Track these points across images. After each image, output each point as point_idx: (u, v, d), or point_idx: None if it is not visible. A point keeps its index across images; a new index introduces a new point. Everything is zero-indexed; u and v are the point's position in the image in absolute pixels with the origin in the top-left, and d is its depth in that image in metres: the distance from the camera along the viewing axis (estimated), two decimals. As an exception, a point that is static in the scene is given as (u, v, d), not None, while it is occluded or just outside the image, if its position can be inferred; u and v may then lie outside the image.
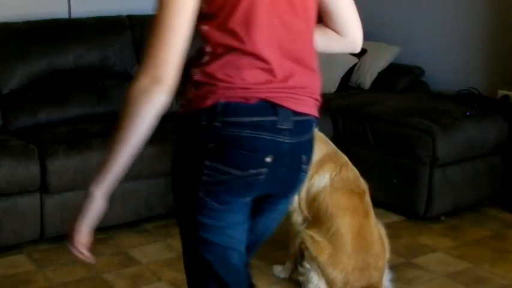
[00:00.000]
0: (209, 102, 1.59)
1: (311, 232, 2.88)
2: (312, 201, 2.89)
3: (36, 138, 3.41)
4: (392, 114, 3.97)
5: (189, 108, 1.67)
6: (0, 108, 3.73)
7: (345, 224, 2.83)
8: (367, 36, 5.48)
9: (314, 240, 2.85)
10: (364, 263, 2.83)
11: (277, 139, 1.57)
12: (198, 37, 1.60)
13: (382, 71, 4.84)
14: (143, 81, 1.52)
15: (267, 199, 1.72)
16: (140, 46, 4.29)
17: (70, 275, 3.08)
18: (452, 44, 4.77)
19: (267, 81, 1.55)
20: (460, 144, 3.80)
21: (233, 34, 1.55)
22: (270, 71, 1.56)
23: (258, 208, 1.73)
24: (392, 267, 3.08)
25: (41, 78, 3.87)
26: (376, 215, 2.97)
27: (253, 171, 1.56)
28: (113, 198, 3.67)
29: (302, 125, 1.67)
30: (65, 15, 4.27)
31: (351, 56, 4.85)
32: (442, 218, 3.91)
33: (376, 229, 2.93)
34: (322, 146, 2.95)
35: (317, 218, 2.89)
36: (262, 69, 1.56)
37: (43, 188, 3.29)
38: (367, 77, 4.84)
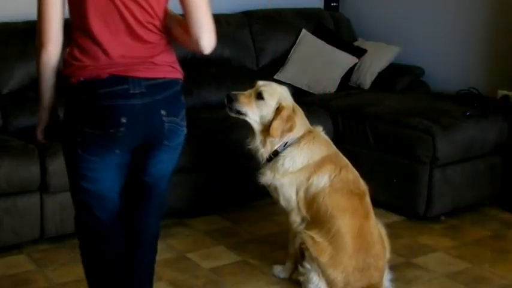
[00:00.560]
0: (74, 80, 2.05)
1: (311, 233, 2.88)
2: (311, 202, 2.90)
3: (36, 138, 3.40)
4: (392, 114, 3.97)
5: (66, 85, 2.10)
6: (0, 108, 3.73)
7: (345, 224, 2.83)
8: (367, 36, 5.51)
9: (314, 241, 2.86)
10: (365, 264, 2.83)
11: (130, 102, 2.04)
12: None
13: (382, 71, 4.84)
14: (36, 47, 2.09)
15: (146, 148, 2.18)
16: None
17: (70, 275, 3.07)
18: (452, 44, 4.78)
19: (106, 61, 2.04)
20: (460, 144, 3.80)
21: (72, 13, 2.12)
22: (105, 52, 2.04)
23: (144, 155, 2.20)
24: (392, 267, 3.08)
25: (41, 78, 3.87)
26: (376, 215, 2.98)
27: (112, 130, 2.04)
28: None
29: (156, 87, 2.11)
30: (65, 15, 4.26)
31: (351, 56, 4.85)
32: (442, 218, 3.91)
33: (377, 229, 2.93)
34: (322, 147, 2.96)
35: (317, 218, 2.89)
36: (100, 49, 2.04)
37: (43, 188, 3.29)
38: (367, 77, 4.84)
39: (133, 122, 2.06)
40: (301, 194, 2.92)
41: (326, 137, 3.05)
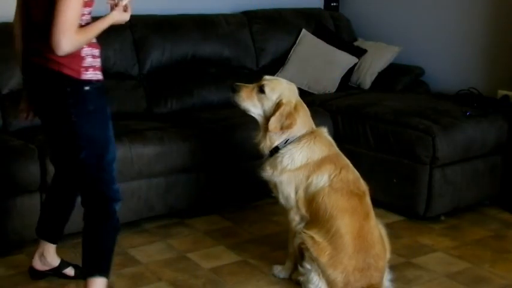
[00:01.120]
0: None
1: (311, 232, 2.88)
2: (311, 201, 2.90)
3: (36, 138, 3.40)
4: (392, 114, 3.97)
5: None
6: (0, 108, 3.73)
7: (344, 224, 2.83)
8: (367, 36, 5.51)
9: (314, 241, 2.86)
10: (365, 264, 2.83)
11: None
12: None
13: (382, 71, 4.85)
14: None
15: None
16: (140, 46, 4.30)
17: (70, 275, 3.08)
18: (452, 44, 4.78)
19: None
20: (460, 144, 3.80)
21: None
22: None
23: None
24: (392, 267, 3.08)
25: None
26: (376, 215, 2.97)
27: None
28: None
29: (33, 71, 2.53)
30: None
31: (351, 56, 4.85)
32: (442, 218, 3.92)
33: (377, 230, 2.93)
34: (323, 147, 2.96)
35: (316, 218, 2.89)
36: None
37: (43, 188, 3.28)
38: (367, 77, 4.84)
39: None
40: (301, 192, 2.92)
41: (329, 138, 3.05)
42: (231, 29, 4.69)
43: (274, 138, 2.95)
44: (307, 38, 4.94)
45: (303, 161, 2.92)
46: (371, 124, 4.02)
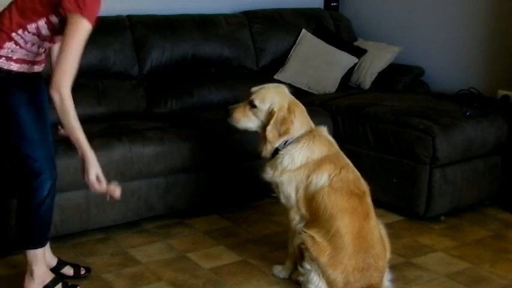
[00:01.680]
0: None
1: (311, 232, 2.88)
2: (310, 200, 2.90)
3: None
4: (392, 114, 3.97)
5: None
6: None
7: (344, 224, 2.83)
8: (367, 36, 5.51)
9: (314, 241, 2.85)
10: (365, 264, 2.83)
11: None
12: None
13: (382, 71, 4.85)
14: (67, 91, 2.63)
15: None
16: (140, 46, 4.30)
17: (70, 275, 3.08)
18: (452, 44, 4.78)
19: None
20: (460, 144, 3.80)
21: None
22: None
23: None
24: (393, 267, 3.08)
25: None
26: (376, 215, 2.97)
27: None
28: (113, 198, 3.65)
29: None
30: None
31: (351, 56, 4.85)
32: (442, 218, 3.92)
33: (377, 230, 2.92)
34: (323, 147, 2.95)
35: (316, 218, 2.89)
36: None
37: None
38: (367, 77, 4.84)
39: None
40: (301, 192, 2.92)
41: (329, 137, 3.04)
42: (231, 29, 4.69)
43: (274, 142, 2.96)
44: (307, 38, 4.94)
45: (302, 160, 2.92)
46: (371, 124, 4.02)
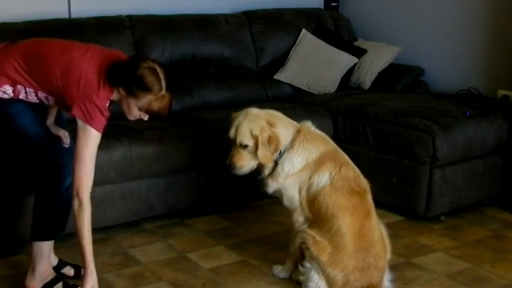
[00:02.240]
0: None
1: (312, 232, 2.88)
2: (313, 201, 2.90)
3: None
4: (392, 114, 3.97)
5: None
6: (0, 108, 3.73)
7: (345, 224, 2.82)
8: (367, 36, 5.51)
9: (315, 240, 2.85)
10: (365, 263, 2.83)
11: None
12: None
13: (382, 71, 4.85)
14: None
15: None
16: (140, 46, 4.30)
17: (70, 275, 3.08)
18: (452, 44, 4.78)
19: None
20: (460, 144, 3.80)
21: None
22: None
23: None
24: (392, 267, 3.08)
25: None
26: (377, 215, 2.97)
27: None
28: (113, 198, 3.69)
29: None
30: (65, 15, 4.27)
31: (351, 56, 4.85)
32: (442, 218, 3.92)
33: (378, 229, 2.92)
34: (320, 145, 2.95)
35: (318, 218, 2.89)
36: None
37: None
38: (367, 77, 4.84)
39: None
40: (304, 193, 2.92)
41: (318, 132, 3.03)
42: (231, 29, 4.69)
43: (268, 162, 2.95)
44: (307, 38, 4.94)
45: (303, 162, 2.91)
46: (371, 124, 4.02)
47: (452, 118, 3.88)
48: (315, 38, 4.94)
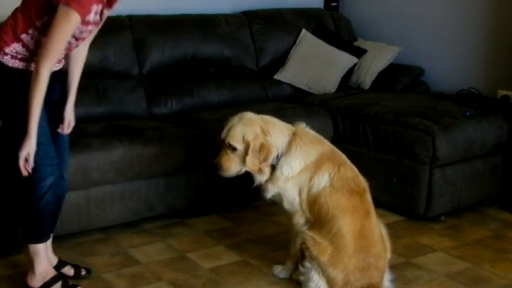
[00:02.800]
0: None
1: (312, 233, 2.88)
2: (313, 203, 2.89)
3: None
4: (392, 114, 3.97)
5: None
6: (0, 108, 3.73)
7: (346, 224, 2.82)
8: (367, 36, 5.51)
9: (315, 241, 2.85)
10: (365, 263, 2.83)
11: None
12: None
13: (382, 71, 4.85)
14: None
15: None
16: (140, 46, 4.30)
17: (70, 275, 3.08)
18: (452, 44, 4.78)
19: None
20: (460, 144, 3.80)
21: None
22: None
23: None
24: (392, 267, 3.08)
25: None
26: (377, 214, 2.97)
27: None
28: (113, 198, 3.69)
29: None
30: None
31: (351, 56, 4.85)
32: (442, 218, 3.92)
33: (378, 229, 2.92)
34: (317, 146, 2.94)
35: (318, 219, 2.88)
36: None
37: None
38: (367, 77, 4.84)
39: None
40: (304, 195, 2.91)
41: (314, 133, 3.02)
42: (231, 29, 4.69)
43: (267, 164, 2.94)
44: (307, 38, 4.94)
45: (301, 165, 2.90)
46: (371, 124, 4.02)
47: (452, 118, 3.88)
48: (315, 38, 4.95)
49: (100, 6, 2.69)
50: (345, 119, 4.17)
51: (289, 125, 3.01)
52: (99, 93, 4.04)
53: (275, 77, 4.78)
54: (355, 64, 4.86)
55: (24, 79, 2.63)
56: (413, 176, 3.80)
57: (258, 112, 3.06)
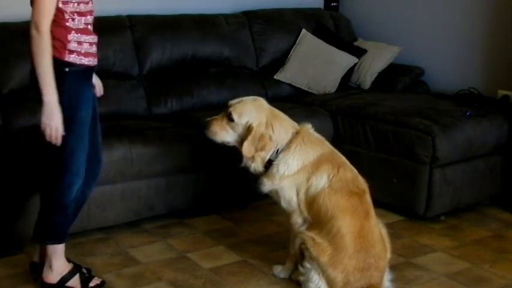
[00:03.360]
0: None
1: (312, 234, 2.88)
2: (312, 203, 2.89)
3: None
4: (392, 114, 3.97)
5: None
6: (1, 107, 3.73)
7: (345, 225, 2.82)
8: (367, 36, 5.52)
9: (315, 242, 2.85)
10: (365, 264, 2.83)
11: None
12: None
13: (382, 71, 4.85)
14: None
15: None
16: (140, 46, 4.30)
17: (70, 275, 3.07)
18: (452, 44, 4.78)
19: None
20: (460, 144, 3.80)
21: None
22: None
23: None
24: (392, 267, 3.08)
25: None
26: (376, 215, 2.97)
27: None
28: (113, 198, 3.69)
29: None
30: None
31: (351, 56, 4.85)
32: (442, 218, 3.92)
33: (377, 229, 2.92)
34: (316, 147, 2.94)
35: (317, 219, 2.88)
36: None
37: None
38: (367, 77, 4.84)
39: None
40: (302, 195, 2.91)
41: (317, 135, 3.03)
42: (231, 29, 4.69)
43: (264, 154, 2.95)
44: (307, 38, 4.94)
45: (299, 164, 2.91)
46: (371, 124, 4.02)
47: (452, 118, 3.88)
48: (315, 38, 4.95)
49: None
50: (345, 119, 4.18)
51: (295, 124, 3.02)
52: (99, 93, 4.04)
53: (275, 77, 4.78)
54: (355, 64, 4.86)
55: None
56: (413, 176, 3.80)
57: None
